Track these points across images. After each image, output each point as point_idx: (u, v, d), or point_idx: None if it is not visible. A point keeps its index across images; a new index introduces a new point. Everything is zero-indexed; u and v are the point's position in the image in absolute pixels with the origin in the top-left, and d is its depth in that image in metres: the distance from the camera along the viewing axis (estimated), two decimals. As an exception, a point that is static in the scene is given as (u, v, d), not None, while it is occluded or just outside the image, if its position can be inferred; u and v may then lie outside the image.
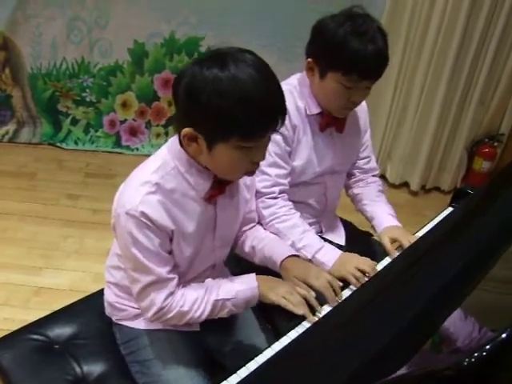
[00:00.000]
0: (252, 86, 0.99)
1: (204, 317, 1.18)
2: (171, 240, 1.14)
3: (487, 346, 0.62)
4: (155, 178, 1.10)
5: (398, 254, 1.44)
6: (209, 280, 1.22)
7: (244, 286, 1.19)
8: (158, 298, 1.14)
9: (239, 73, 0.99)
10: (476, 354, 0.61)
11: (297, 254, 1.34)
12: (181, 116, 1.07)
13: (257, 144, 1.06)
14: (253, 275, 1.22)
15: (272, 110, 1.03)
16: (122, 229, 1.10)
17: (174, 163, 1.12)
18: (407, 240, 1.45)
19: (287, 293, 1.18)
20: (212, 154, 1.06)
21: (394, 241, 1.48)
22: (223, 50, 1.04)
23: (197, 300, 1.16)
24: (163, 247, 1.12)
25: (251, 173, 1.15)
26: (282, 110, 1.06)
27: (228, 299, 1.18)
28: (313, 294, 1.22)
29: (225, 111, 0.98)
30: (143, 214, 1.07)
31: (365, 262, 1.35)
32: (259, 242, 1.36)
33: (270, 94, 1.02)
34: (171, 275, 1.15)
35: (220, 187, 1.16)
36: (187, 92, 1.02)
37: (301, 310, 1.16)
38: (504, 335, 0.62)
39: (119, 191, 1.14)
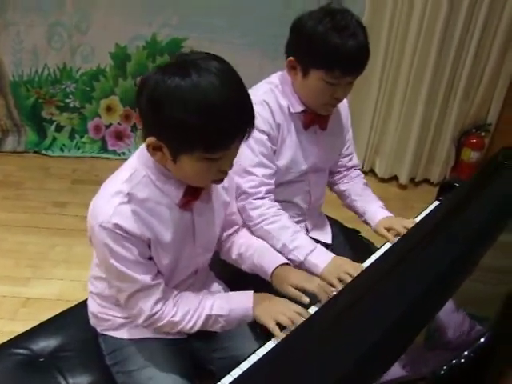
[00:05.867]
0: (213, 95, 0.94)
1: (196, 328, 1.17)
2: (150, 247, 1.12)
3: (465, 353, 0.60)
4: (127, 187, 1.07)
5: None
6: (205, 292, 1.20)
7: (239, 304, 1.17)
8: (146, 305, 1.12)
9: (200, 81, 0.94)
10: (454, 362, 0.60)
11: (287, 262, 1.31)
12: (144, 125, 1.03)
13: (224, 154, 1.02)
14: (250, 294, 1.19)
15: (236, 120, 0.98)
16: (98, 241, 1.08)
17: (145, 171, 1.09)
18: (401, 226, 1.48)
19: (279, 313, 1.14)
20: (177, 164, 1.03)
21: (389, 229, 1.51)
22: (187, 57, 0.99)
23: (189, 312, 1.15)
24: (143, 255, 1.10)
25: (219, 181, 1.11)
26: (249, 120, 1.01)
27: (221, 315, 1.16)
28: (307, 299, 1.20)
29: (186, 122, 0.94)
30: (117, 225, 1.04)
31: (356, 270, 1.31)
32: (247, 249, 1.33)
33: (233, 103, 0.96)
34: (156, 281, 1.13)
35: (194, 194, 1.13)
36: (148, 102, 0.98)
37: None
38: (482, 340, 0.60)
39: (92, 202, 1.11)
